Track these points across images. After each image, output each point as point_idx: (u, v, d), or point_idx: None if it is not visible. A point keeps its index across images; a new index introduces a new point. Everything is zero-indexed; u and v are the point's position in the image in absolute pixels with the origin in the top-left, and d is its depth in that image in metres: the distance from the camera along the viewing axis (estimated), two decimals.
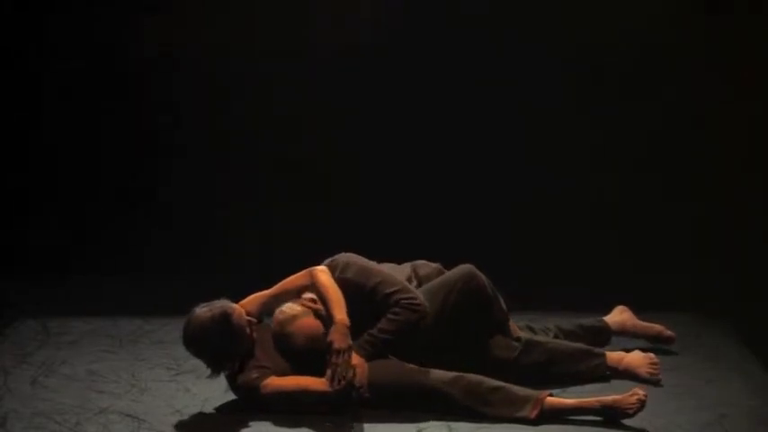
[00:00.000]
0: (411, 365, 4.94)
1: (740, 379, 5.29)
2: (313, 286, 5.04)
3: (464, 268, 5.21)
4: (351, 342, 4.85)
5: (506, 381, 4.93)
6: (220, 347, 4.85)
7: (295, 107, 7.30)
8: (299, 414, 4.85)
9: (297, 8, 7.25)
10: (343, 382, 4.78)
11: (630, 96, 7.23)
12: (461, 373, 4.87)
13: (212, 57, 7.29)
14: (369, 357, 4.96)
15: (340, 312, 4.91)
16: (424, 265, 5.40)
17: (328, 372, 4.79)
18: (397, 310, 5.01)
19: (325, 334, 4.87)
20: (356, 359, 4.90)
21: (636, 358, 5.29)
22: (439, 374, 4.89)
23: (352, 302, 4.96)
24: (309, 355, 4.92)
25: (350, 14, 7.24)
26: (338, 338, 4.83)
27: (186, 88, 7.31)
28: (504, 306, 5.28)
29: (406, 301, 5.01)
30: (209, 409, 5.01)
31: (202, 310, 4.87)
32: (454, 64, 7.23)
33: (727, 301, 6.42)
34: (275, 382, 4.87)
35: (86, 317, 6.29)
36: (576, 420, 4.78)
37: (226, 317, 4.84)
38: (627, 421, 4.74)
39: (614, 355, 5.33)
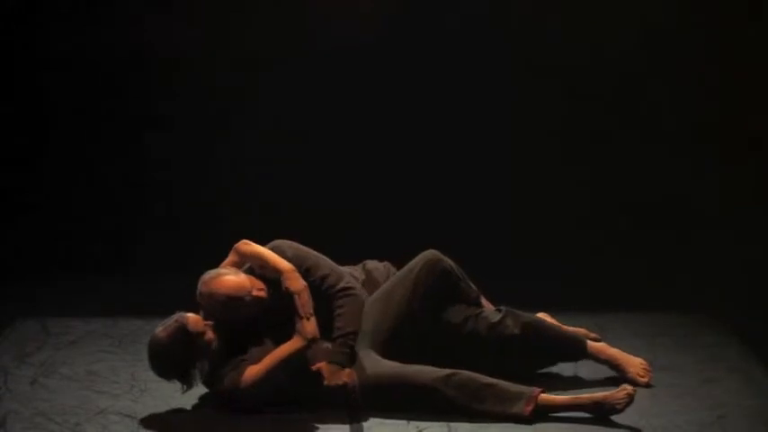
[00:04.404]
0: (397, 364, 4.89)
1: (740, 379, 5.29)
2: (244, 258, 5.03)
3: (427, 253, 5.20)
4: (305, 283, 4.87)
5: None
6: (186, 360, 4.83)
7: (294, 107, 7.31)
8: (297, 413, 4.85)
9: (296, 7, 7.26)
10: (311, 318, 4.78)
11: (630, 96, 7.24)
12: (453, 371, 4.83)
13: (211, 56, 7.29)
14: (349, 361, 4.91)
15: (281, 262, 4.92)
16: (373, 262, 5.41)
17: (297, 321, 4.79)
18: (339, 302, 5.00)
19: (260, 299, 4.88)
20: (344, 371, 4.85)
21: (628, 356, 5.27)
22: (430, 372, 4.84)
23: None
24: (240, 310, 4.88)
25: (349, 14, 7.24)
26: (292, 283, 4.85)
27: (185, 87, 7.32)
28: (472, 285, 5.25)
29: (337, 291, 5.01)
30: (208, 409, 5.00)
31: (158, 331, 4.83)
32: (454, 64, 7.23)
33: (727, 301, 6.42)
34: (251, 372, 4.81)
35: (86, 317, 6.29)
36: (573, 418, 4.78)
37: (182, 329, 4.81)
38: (625, 420, 4.73)
39: (598, 345, 5.31)
